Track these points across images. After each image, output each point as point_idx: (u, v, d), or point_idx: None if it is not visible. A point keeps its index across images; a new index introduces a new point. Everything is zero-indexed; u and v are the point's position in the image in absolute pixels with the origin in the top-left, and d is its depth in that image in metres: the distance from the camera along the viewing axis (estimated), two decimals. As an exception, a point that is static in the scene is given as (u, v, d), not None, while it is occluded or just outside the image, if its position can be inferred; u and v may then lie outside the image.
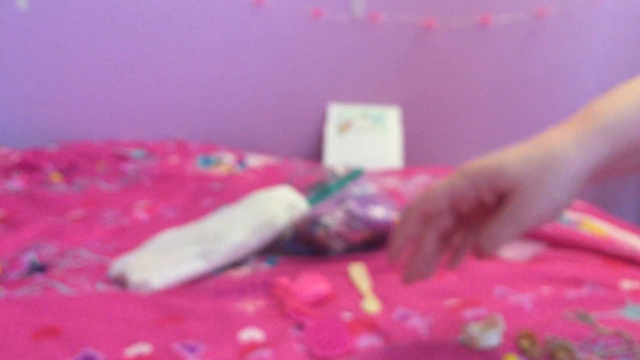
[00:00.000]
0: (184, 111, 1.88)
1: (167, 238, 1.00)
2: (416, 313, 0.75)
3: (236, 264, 0.95)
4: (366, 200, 0.99)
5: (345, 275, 0.88)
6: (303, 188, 1.10)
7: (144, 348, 0.69)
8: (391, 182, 1.34)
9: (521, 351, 0.64)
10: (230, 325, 0.74)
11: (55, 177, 1.46)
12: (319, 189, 1.08)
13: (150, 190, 1.38)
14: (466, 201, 0.56)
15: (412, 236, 0.59)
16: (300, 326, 0.73)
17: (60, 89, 1.82)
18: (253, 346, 0.69)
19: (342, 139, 1.81)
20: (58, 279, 0.90)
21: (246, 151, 1.77)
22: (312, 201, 1.04)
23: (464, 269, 0.89)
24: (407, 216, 0.58)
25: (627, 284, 0.82)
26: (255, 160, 1.62)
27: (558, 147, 0.54)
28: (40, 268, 0.95)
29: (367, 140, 1.81)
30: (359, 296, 0.81)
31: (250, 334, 0.71)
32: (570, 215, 1.14)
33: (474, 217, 0.59)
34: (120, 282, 0.90)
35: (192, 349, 0.68)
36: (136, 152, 1.62)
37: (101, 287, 0.89)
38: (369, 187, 1.09)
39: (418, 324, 0.73)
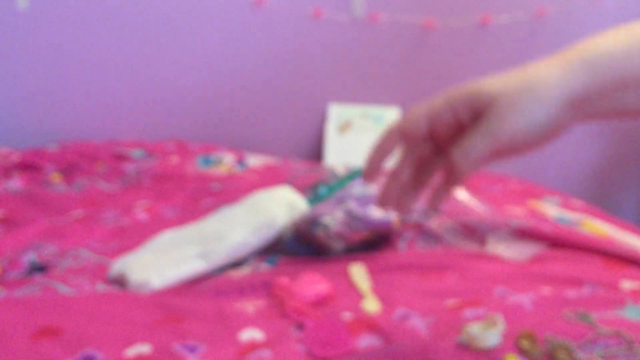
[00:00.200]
0: (184, 111, 1.88)
1: (167, 238, 1.00)
2: (416, 313, 0.75)
3: (236, 264, 0.95)
4: (366, 200, 0.99)
5: (345, 275, 0.88)
6: (303, 188, 1.10)
7: (144, 348, 0.69)
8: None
9: (521, 351, 0.64)
10: (230, 325, 0.74)
11: (55, 177, 1.46)
12: (320, 188, 1.08)
13: (150, 190, 1.38)
14: (444, 124, 0.55)
15: (388, 155, 0.58)
16: (300, 326, 0.73)
17: (60, 89, 1.82)
18: (253, 346, 0.69)
19: (342, 139, 1.81)
20: (58, 279, 0.90)
21: (246, 151, 1.76)
22: (312, 201, 1.04)
23: (464, 269, 0.89)
24: (386, 135, 0.57)
25: (627, 284, 0.82)
26: (255, 160, 1.62)
27: (539, 72, 0.54)
28: (40, 268, 0.95)
29: (367, 140, 1.80)
30: (359, 296, 0.81)
31: (250, 334, 0.71)
32: (570, 215, 1.14)
33: (451, 146, 0.57)
34: (120, 282, 0.90)
35: (192, 349, 0.68)
36: (136, 152, 1.62)
37: (101, 287, 0.89)
38: (369, 187, 1.09)
39: (418, 324, 0.73)
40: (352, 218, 0.96)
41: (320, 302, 0.79)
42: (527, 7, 1.81)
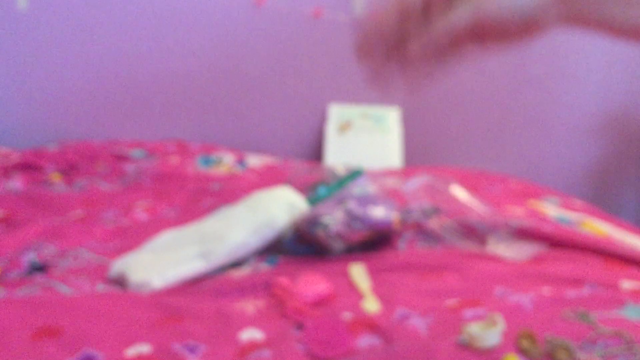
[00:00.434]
0: (184, 111, 1.88)
1: (167, 238, 1.00)
2: (416, 313, 0.75)
3: (236, 264, 0.95)
4: (366, 200, 0.99)
5: (345, 275, 0.88)
6: (303, 188, 1.10)
7: (144, 348, 0.69)
8: (391, 182, 1.34)
9: (521, 351, 0.64)
10: (230, 325, 0.74)
11: (55, 177, 1.46)
12: (320, 188, 1.08)
13: (150, 190, 1.38)
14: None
15: (385, 34, 0.57)
16: (300, 326, 0.73)
17: (60, 89, 1.82)
18: (253, 346, 0.69)
19: (342, 139, 1.81)
20: (58, 279, 0.90)
21: (246, 151, 1.76)
22: (312, 201, 1.04)
23: (464, 269, 0.89)
24: (385, 13, 0.56)
25: (627, 284, 0.82)
26: (255, 160, 1.62)
27: None
28: (40, 268, 0.95)
29: (367, 141, 1.80)
30: (359, 296, 0.81)
31: (250, 334, 0.71)
32: (570, 215, 1.14)
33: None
34: (120, 282, 0.90)
35: (192, 349, 0.68)
36: (136, 152, 1.62)
37: (101, 287, 0.89)
38: (369, 187, 1.09)
39: (418, 324, 0.73)
40: (352, 218, 0.96)
41: (320, 302, 0.79)
42: (527, 7, 1.81)
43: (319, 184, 1.11)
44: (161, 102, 1.86)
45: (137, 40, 1.80)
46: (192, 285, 0.89)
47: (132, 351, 0.68)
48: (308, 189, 1.10)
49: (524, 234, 0.99)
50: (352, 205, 0.97)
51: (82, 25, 1.77)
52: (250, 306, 0.79)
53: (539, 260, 0.92)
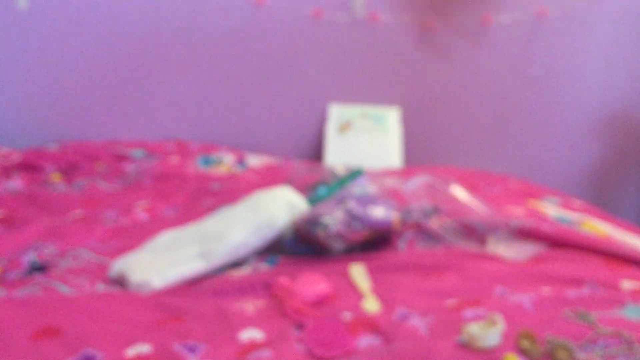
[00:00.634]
0: (184, 111, 1.88)
1: (167, 238, 1.00)
2: (416, 313, 0.75)
3: (236, 264, 0.95)
4: (366, 200, 0.99)
5: (345, 275, 0.88)
6: (303, 188, 1.10)
7: (144, 348, 0.69)
8: (391, 182, 1.34)
9: (521, 351, 0.64)
10: (230, 325, 0.74)
11: (55, 177, 1.46)
12: (320, 188, 1.08)
13: (150, 190, 1.38)
14: None
15: None
16: (300, 326, 0.73)
17: (60, 89, 1.82)
18: (253, 346, 0.69)
19: (342, 139, 1.81)
20: (58, 279, 0.90)
21: (246, 151, 1.76)
22: (312, 201, 1.04)
23: (464, 269, 0.89)
24: None
25: (627, 284, 0.82)
26: (255, 160, 1.62)
27: None
28: (40, 268, 0.95)
29: (367, 140, 1.80)
30: (359, 296, 0.81)
31: (250, 334, 0.71)
32: (570, 215, 1.14)
33: None
34: (120, 282, 0.90)
35: (192, 349, 0.68)
36: (136, 152, 1.62)
37: (101, 287, 0.89)
38: (369, 187, 1.09)
39: (418, 324, 0.73)
40: (352, 218, 0.96)
41: (320, 302, 0.79)
42: (527, 7, 1.81)
43: (319, 184, 1.11)
44: (161, 102, 1.87)
45: (137, 40, 1.80)
46: (192, 285, 0.89)
47: (132, 351, 0.68)
48: (308, 189, 1.10)
49: (524, 234, 0.99)
50: (352, 205, 0.97)
51: (82, 25, 1.77)
52: (250, 306, 0.79)
53: (539, 260, 0.92)
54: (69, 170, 1.50)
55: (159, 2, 1.78)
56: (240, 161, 1.59)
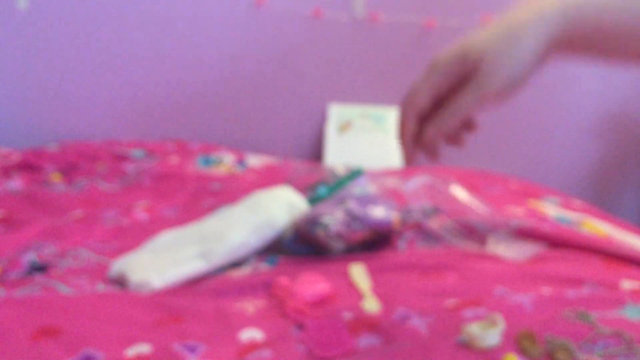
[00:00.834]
0: (184, 111, 1.88)
1: (167, 238, 1.00)
2: (416, 313, 0.75)
3: (236, 264, 0.95)
4: (366, 200, 0.99)
5: (345, 275, 0.88)
6: (303, 188, 1.10)
7: (144, 348, 0.69)
8: (391, 182, 1.34)
9: (521, 351, 0.64)
10: (230, 325, 0.74)
11: (55, 177, 1.46)
12: (320, 188, 1.08)
13: (150, 190, 1.38)
14: (444, 88, 0.62)
15: (414, 134, 0.64)
16: (300, 326, 0.73)
17: (60, 89, 1.82)
18: (253, 346, 0.69)
19: (342, 139, 1.81)
20: (58, 279, 0.90)
21: (246, 151, 1.76)
22: (312, 201, 1.04)
23: (464, 269, 0.89)
24: (405, 121, 0.63)
25: (627, 284, 0.82)
26: (255, 160, 1.62)
27: (519, 22, 0.59)
28: (40, 268, 0.95)
29: (367, 140, 1.80)
30: (359, 296, 0.81)
31: (250, 334, 0.71)
32: (570, 215, 1.14)
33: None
34: (120, 282, 0.90)
35: (192, 349, 0.68)
36: (136, 152, 1.62)
37: (101, 287, 0.89)
38: (369, 187, 1.09)
39: (418, 324, 0.73)
40: (352, 218, 0.96)
41: (320, 302, 0.79)
42: (527, 7, 1.81)
43: (319, 184, 1.11)
44: (161, 102, 1.87)
45: (137, 39, 1.80)
46: (192, 285, 0.89)
47: (132, 351, 0.68)
48: (308, 189, 1.10)
49: (524, 234, 0.99)
50: (352, 205, 0.97)
51: (82, 25, 1.77)
52: (250, 306, 0.79)
53: (539, 260, 0.92)
54: (69, 170, 1.50)
55: (159, 2, 1.78)
56: (240, 161, 1.59)
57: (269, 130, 1.92)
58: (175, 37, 1.81)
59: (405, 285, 0.84)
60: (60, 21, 1.76)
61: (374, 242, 0.98)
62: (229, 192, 1.32)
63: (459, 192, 1.13)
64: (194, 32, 1.81)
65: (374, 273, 0.88)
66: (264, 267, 0.94)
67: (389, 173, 1.46)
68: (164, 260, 0.92)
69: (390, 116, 1.85)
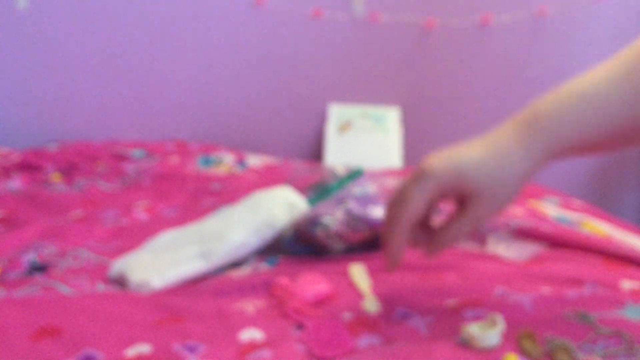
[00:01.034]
0: (184, 111, 1.88)
1: (167, 238, 1.00)
2: (416, 313, 0.75)
3: (236, 264, 0.95)
4: (366, 200, 0.99)
5: (345, 275, 0.88)
6: (303, 188, 1.10)
7: (144, 348, 0.69)
8: (391, 182, 1.34)
9: (521, 351, 0.64)
10: (230, 325, 0.74)
11: (55, 177, 1.46)
12: (319, 189, 1.08)
13: (150, 190, 1.38)
14: (435, 199, 0.67)
15: (404, 245, 0.69)
16: (300, 326, 0.73)
17: (60, 89, 1.82)
18: (253, 346, 0.69)
19: (342, 139, 1.81)
20: (58, 279, 0.90)
21: (246, 151, 1.76)
22: (312, 201, 1.04)
23: (464, 268, 0.89)
24: (397, 232, 0.68)
25: (627, 284, 0.82)
26: (255, 160, 1.62)
27: (506, 154, 0.65)
28: (40, 268, 0.95)
29: (367, 140, 1.81)
30: (359, 296, 0.81)
31: (250, 334, 0.71)
32: (570, 215, 1.14)
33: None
34: (120, 282, 0.90)
35: (192, 349, 0.68)
36: (136, 152, 1.62)
37: (101, 287, 0.89)
38: (369, 187, 1.09)
39: (418, 324, 0.73)
40: (352, 218, 0.96)
41: (320, 302, 0.79)
42: (527, 7, 1.81)
43: (319, 184, 1.11)
44: (161, 102, 1.87)
45: (137, 40, 1.80)
46: (192, 285, 0.89)
47: (132, 351, 0.68)
48: (308, 189, 1.10)
49: (524, 234, 0.99)
50: (352, 205, 0.97)
51: (82, 25, 1.77)
52: (250, 306, 0.79)
53: (539, 260, 0.92)
54: (69, 170, 1.50)
55: (159, 2, 1.79)
56: (240, 161, 1.59)
57: (269, 130, 1.92)
58: (175, 37, 1.81)
59: (405, 285, 0.84)
60: (60, 21, 1.76)
61: (374, 242, 0.98)
62: (229, 192, 1.32)
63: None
64: (193, 32, 1.81)
65: (374, 273, 0.88)
66: (264, 267, 0.94)
67: (389, 173, 1.46)
68: (164, 260, 0.92)
69: (390, 116, 1.85)
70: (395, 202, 0.67)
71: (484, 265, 0.90)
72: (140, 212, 1.22)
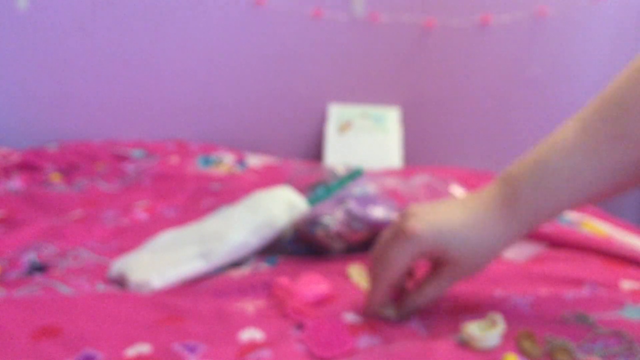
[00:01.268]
0: (184, 111, 1.88)
1: (167, 238, 1.00)
2: (415, 313, 0.75)
3: (236, 264, 0.95)
4: (366, 200, 0.99)
5: (345, 275, 0.88)
6: (303, 188, 1.10)
7: (144, 348, 0.69)
8: (391, 182, 1.34)
9: (521, 351, 0.64)
10: (230, 325, 0.74)
11: (55, 177, 1.46)
12: (320, 188, 1.08)
13: (150, 190, 1.38)
14: (416, 261, 0.71)
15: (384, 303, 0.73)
16: (300, 326, 0.73)
17: (60, 89, 1.82)
18: (253, 346, 0.69)
19: (342, 139, 1.81)
20: (58, 279, 0.90)
21: (246, 151, 1.77)
22: (312, 201, 1.04)
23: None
24: (379, 291, 0.71)
25: (627, 284, 0.82)
26: (255, 160, 1.62)
27: (486, 226, 0.68)
28: (40, 268, 0.95)
29: (367, 140, 1.81)
30: (361, 296, 0.81)
31: (250, 334, 0.71)
32: (570, 215, 1.14)
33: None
34: (120, 282, 0.90)
35: (192, 349, 0.68)
36: (136, 152, 1.62)
37: (101, 287, 0.89)
38: (369, 187, 1.09)
39: (417, 324, 0.73)
40: (352, 218, 0.96)
41: (320, 302, 0.79)
42: (527, 7, 1.81)
43: (319, 184, 1.11)
44: (161, 102, 1.87)
45: (137, 39, 1.80)
46: (192, 285, 0.89)
47: (132, 351, 0.68)
48: (308, 189, 1.10)
49: (523, 234, 0.99)
50: (352, 205, 0.97)
51: (83, 25, 1.77)
52: (250, 306, 0.79)
53: (538, 260, 0.92)
54: (69, 170, 1.50)
55: (159, 2, 1.79)
56: (240, 161, 1.59)
57: (269, 130, 1.92)
58: (175, 37, 1.81)
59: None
60: (60, 21, 1.76)
61: (374, 242, 0.98)
62: (229, 192, 1.32)
63: (459, 192, 1.13)
64: (193, 32, 1.81)
65: (374, 273, 0.88)
66: (263, 267, 0.94)
67: (389, 173, 1.46)
68: (163, 260, 0.92)
69: (390, 116, 1.85)
70: (377, 261, 0.70)
71: (483, 265, 0.89)
72: (140, 212, 1.22)
